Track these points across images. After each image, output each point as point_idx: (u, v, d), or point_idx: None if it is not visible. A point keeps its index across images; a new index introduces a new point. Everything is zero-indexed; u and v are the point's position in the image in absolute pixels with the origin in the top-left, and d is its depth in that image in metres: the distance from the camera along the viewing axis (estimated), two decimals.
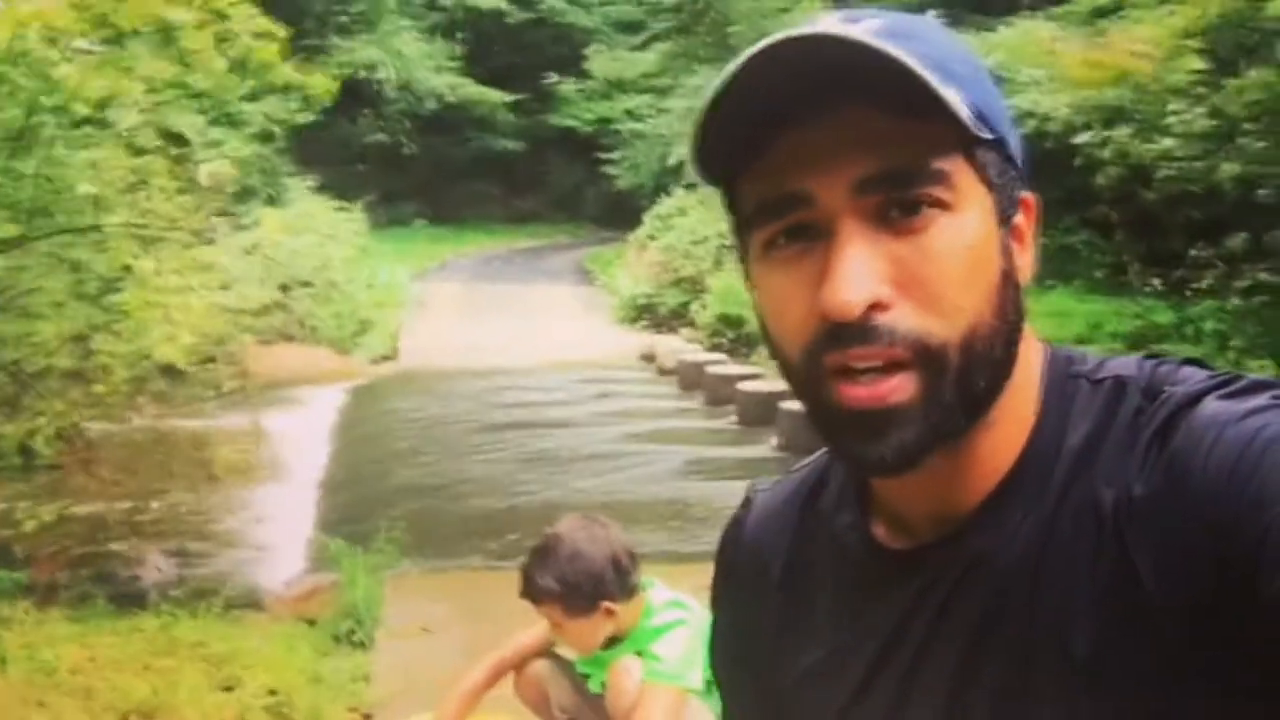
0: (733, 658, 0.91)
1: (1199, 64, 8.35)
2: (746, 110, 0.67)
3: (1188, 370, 0.72)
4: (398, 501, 7.01)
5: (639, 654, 2.57)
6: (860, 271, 0.66)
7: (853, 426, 0.69)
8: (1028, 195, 0.74)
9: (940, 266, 0.67)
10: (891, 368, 0.67)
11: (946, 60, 0.68)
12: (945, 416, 0.69)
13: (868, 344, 0.67)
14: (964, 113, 0.66)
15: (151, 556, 5.75)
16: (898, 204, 0.67)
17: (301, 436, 8.50)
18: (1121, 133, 10.01)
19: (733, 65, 0.66)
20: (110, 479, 5.95)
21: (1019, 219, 0.73)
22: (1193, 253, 9.73)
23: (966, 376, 0.68)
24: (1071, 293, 11.49)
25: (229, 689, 3.89)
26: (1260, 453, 0.62)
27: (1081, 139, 10.63)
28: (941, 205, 0.67)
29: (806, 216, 0.68)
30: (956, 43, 0.72)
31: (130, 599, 5.05)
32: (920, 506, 0.74)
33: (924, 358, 0.67)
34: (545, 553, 2.57)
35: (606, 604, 2.54)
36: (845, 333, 0.66)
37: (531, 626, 2.80)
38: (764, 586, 0.85)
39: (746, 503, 0.90)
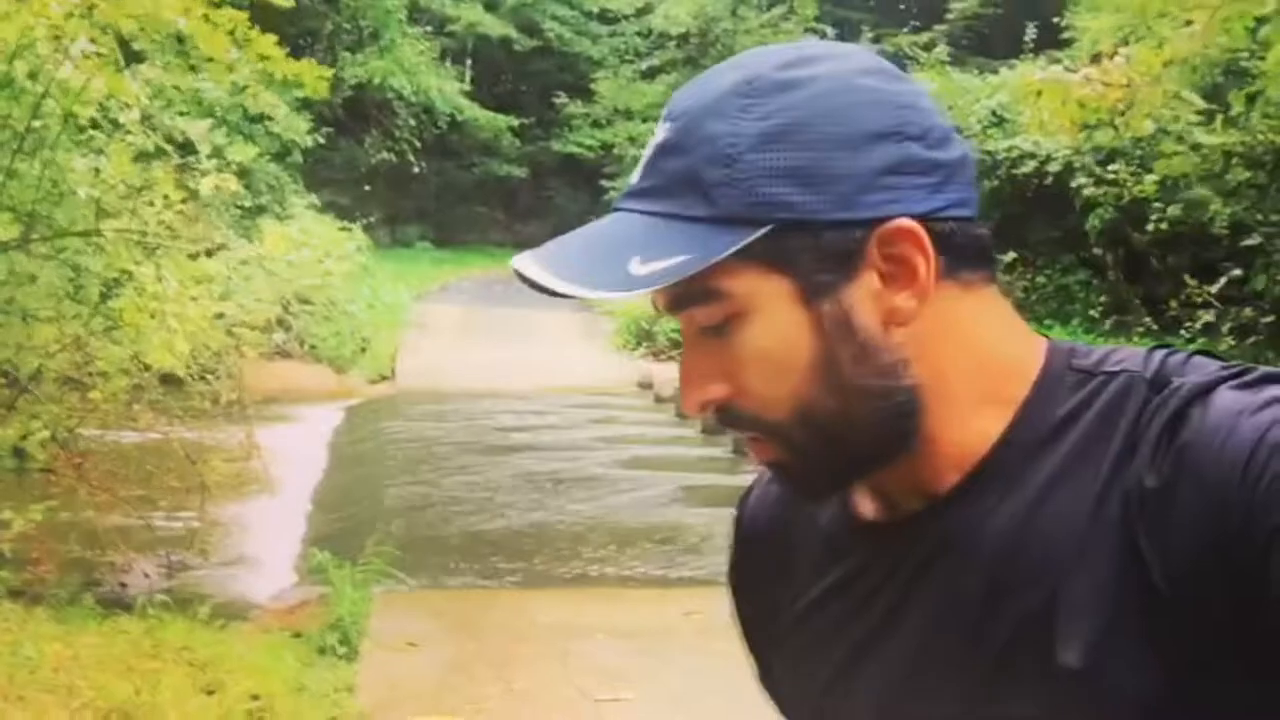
0: (745, 619, 0.91)
1: (1198, 102, 8.42)
2: None
3: (1198, 360, 0.69)
4: (389, 519, 6.99)
5: None
6: (689, 382, 0.72)
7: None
8: (901, 224, 0.68)
9: (749, 370, 0.70)
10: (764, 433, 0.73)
11: (708, 174, 0.67)
12: (831, 470, 0.73)
13: (731, 427, 0.73)
14: (682, 260, 0.66)
15: (140, 564, 5.73)
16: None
17: (296, 453, 8.48)
18: (1118, 172, 10.09)
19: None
20: (102, 485, 5.94)
21: (899, 250, 0.68)
22: (1186, 293, 9.82)
23: (825, 445, 0.71)
24: (1068, 332, 11.53)
25: (211, 693, 3.87)
26: (1272, 449, 0.61)
27: (1078, 181, 10.71)
28: (737, 314, 0.69)
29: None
30: (753, 122, 0.68)
31: (117, 603, 5.04)
32: (897, 485, 0.74)
33: (771, 434, 0.72)
34: None
35: None
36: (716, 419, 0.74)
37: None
38: (760, 551, 0.87)
39: (762, 475, 0.90)
